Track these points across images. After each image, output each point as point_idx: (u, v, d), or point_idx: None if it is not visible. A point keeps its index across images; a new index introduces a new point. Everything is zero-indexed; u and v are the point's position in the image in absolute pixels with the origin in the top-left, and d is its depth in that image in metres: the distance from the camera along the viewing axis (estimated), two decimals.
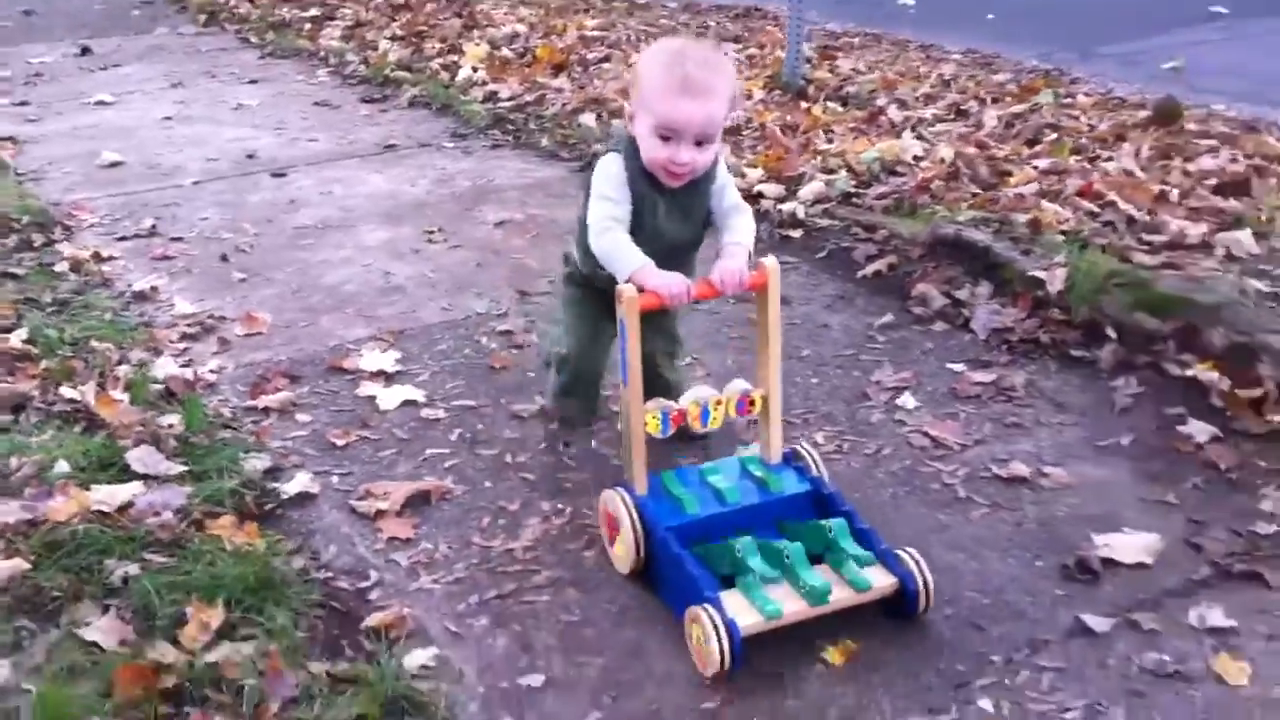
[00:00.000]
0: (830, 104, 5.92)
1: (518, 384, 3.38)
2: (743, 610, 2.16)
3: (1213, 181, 4.33)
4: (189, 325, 3.78)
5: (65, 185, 5.22)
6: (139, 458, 2.88)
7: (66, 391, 3.21)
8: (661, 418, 2.40)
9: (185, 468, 2.88)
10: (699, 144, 2.39)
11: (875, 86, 6.11)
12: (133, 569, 2.44)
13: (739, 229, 2.51)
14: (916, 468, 2.95)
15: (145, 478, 2.79)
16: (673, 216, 2.52)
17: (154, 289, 4.07)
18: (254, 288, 4.11)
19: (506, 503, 2.84)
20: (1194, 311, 3.31)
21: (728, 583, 2.24)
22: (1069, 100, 5.78)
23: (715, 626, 2.10)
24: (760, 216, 4.24)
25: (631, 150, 2.47)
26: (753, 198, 4.58)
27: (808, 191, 4.64)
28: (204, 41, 8.61)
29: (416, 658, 2.29)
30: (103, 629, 2.28)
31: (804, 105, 5.91)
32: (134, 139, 5.94)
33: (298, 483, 2.90)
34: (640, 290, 2.31)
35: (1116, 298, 3.46)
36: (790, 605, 2.18)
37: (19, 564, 2.43)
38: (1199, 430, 3.00)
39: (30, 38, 8.73)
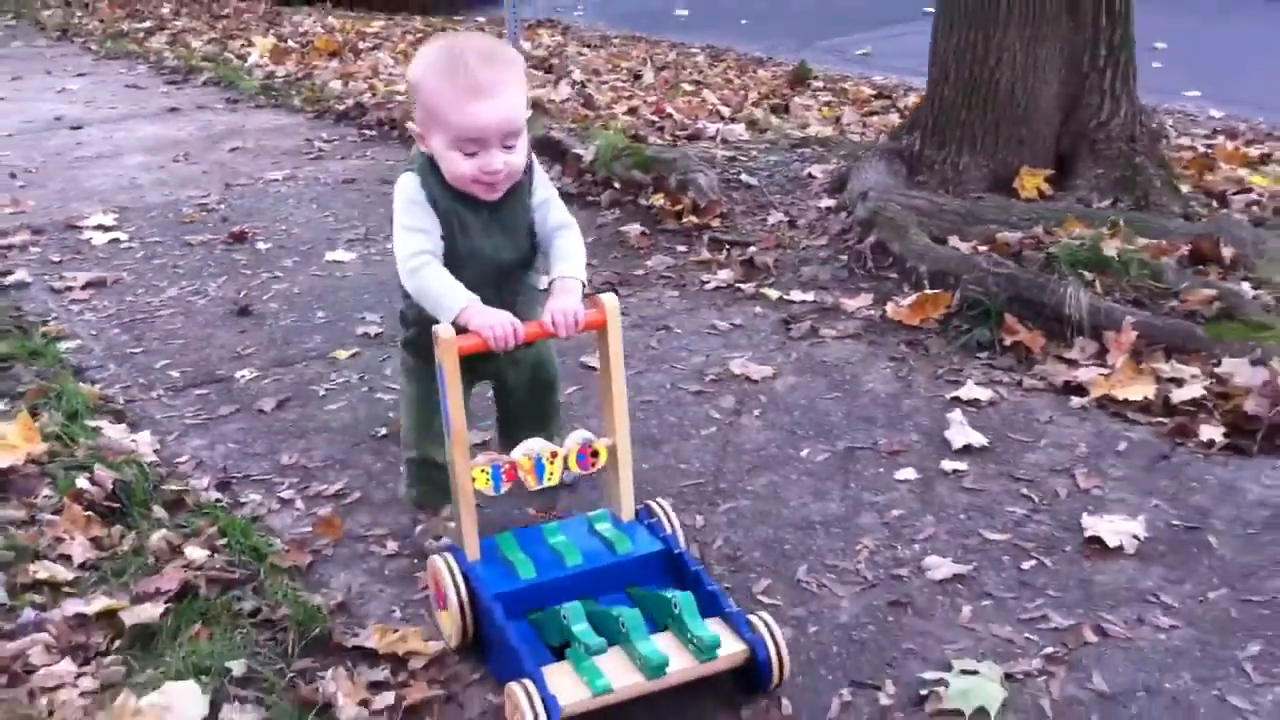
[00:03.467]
0: (535, 70, 7.46)
1: (199, 225, 4.83)
2: (568, 686, 1.90)
3: (756, 97, 5.91)
4: None
5: None
6: None
7: None
8: (492, 473, 2.15)
9: None
10: (507, 146, 2.14)
11: (577, 62, 7.68)
12: None
13: (568, 255, 2.24)
14: None
15: None
16: (491, 232, 2.24)
17: None
18: (28, 190, 5.51)
19: (158, 282, 4.27)
20: (664, 167, 4.83)
21: (562, 655, 2.00)
22: (739, 70, 7.44)
23: (531, 702, 1.84)
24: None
25: (428, 167, 2.21)
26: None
27: None
28: (51, 50, 10.00)
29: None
30: None
31: None
32: None
33: (17, 275, 4.31)
34: (462, 331, 2.08)
35: (622, 163, 4.96)
36: (623, 679, 1.91)
37: None
38: (635, 230, 4.50)
39: None
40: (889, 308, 3.63)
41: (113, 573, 2.49)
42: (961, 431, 2.95)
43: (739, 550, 2.54)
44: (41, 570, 2.47)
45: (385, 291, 4.02)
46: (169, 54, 9.05)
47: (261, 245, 4.62)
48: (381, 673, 2.20)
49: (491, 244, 2.26)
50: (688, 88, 6.73)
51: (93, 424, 3.11)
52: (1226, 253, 3.56)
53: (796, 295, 3.86)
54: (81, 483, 2.74)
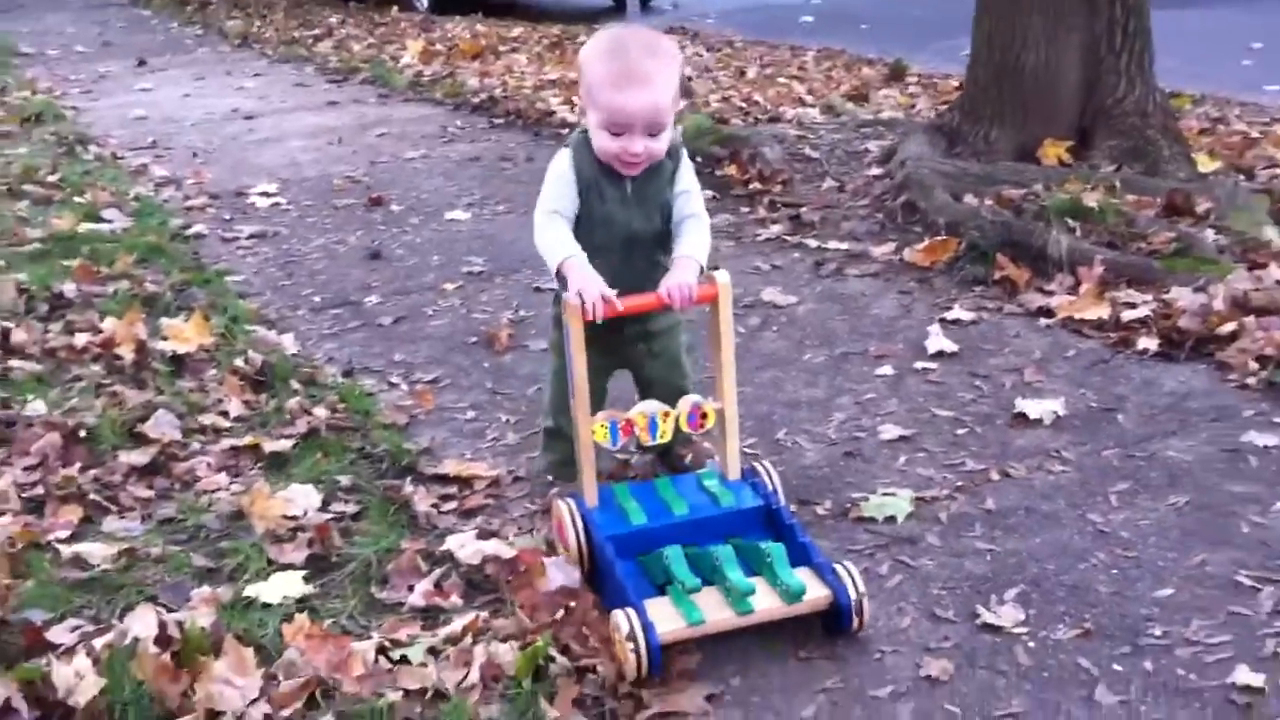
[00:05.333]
0: None
1: (345, 193, 5.71)
2: (666, 616, 2.11)
3: (845, 89, 6.57)
4: (162, 180, 6.17)
5: (104, 128, 7.68)
6: (112, 214, 5.24)
7: (76, 198, 5.60)
8: (610, 428, 2.34)
9: (132, 220, 5.23)
10: (651, 134, 2.31)
11: (691, 61, 8.43)
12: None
13: (691, 241, 2.40)
14: None
15: (109, 222, 5.15)
16: (627, 204, 2.41)
17: (145, 165, 6.47)
18: (207, 165, 6.49)
19: (308, 235, 5.14)
20: (738, 143, 5.53)
21: (663, 592, 2.22)
22: (844, 68, 8.11)
23: (632, 628, 2.05)
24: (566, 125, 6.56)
25: (584, 140, 2.40)
26: (550, 112, 6.88)
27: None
28: (232, 55, 11.17)
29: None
30: None
31: None
32: (158, 106, 8.42)
33: (196, 228, 5.24)
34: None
35: (704, 140, 5.68)
36: (716, 614, 2.13)
37: None
38: (706, 195, 5.19)
39: (103, 59, 11.33)
40: (906, 252, 4.26)
41: (258, 423, 3.30)
42: (938, 341, 3.57)
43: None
44: (206, 419, 3.29)
45: (490, 243, 4.83)
46: (333, 57, 10.08)
47: (395, 207, 5.47)
48: (450, 489, 2.95)
49: (625, 213, 2.42)
50: (783, 81, 7.41)
51: (250, 328, 3.94)
52: (1202, 206, 4.08)
53: (833, 244, 4.51)
54: (238, 362, 3.57)
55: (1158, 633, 2.24)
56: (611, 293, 2.28)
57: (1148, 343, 3.42)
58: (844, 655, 2.23)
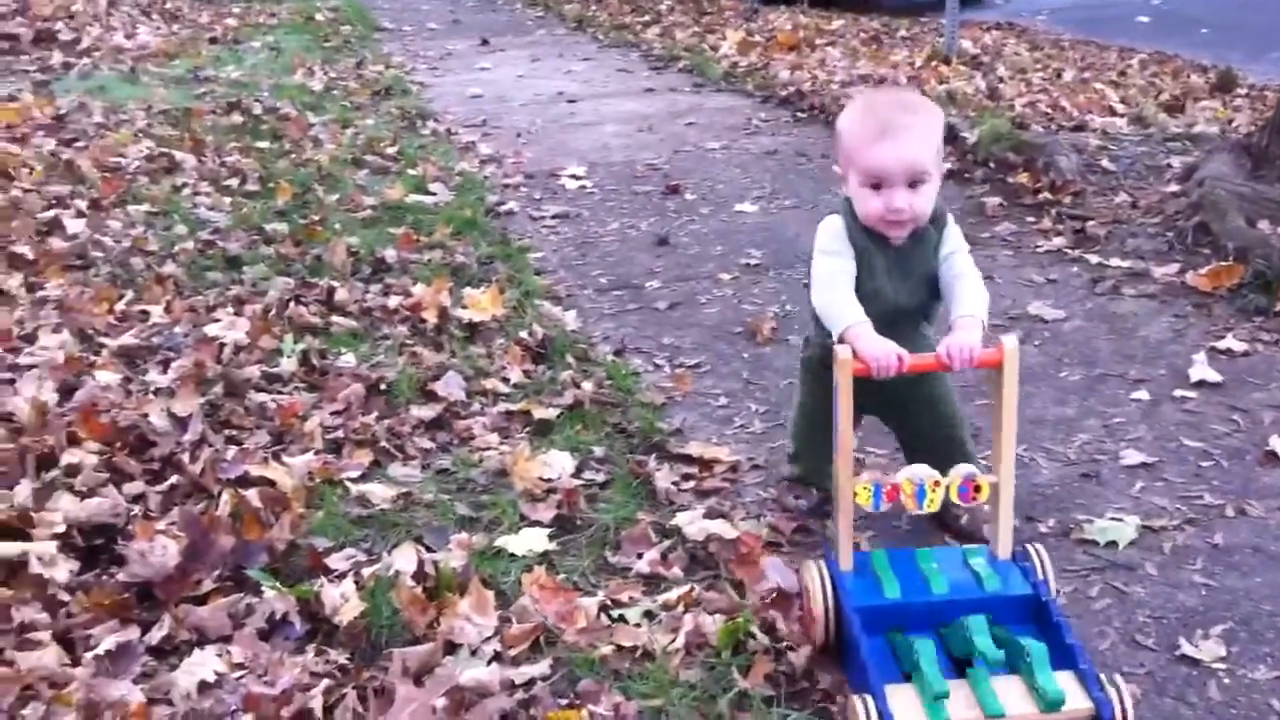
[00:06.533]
0: (962, 66, 8.18)
1: (645, 179, 6.05)
2: (909, 710, 1.95)
3: (1164, 98, 6.38)
4: (485, 157, 6.70)
5: (443, 104, 8.35)
6: (437, 188, 5.77)
7: (409, 170, 6.18)
8: (874, 491, 2.21)
9: (454, 194, 5.74)
10: (912, 186, 2.27)
11: (1009, 60, 8.32)
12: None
13: (970, 300, 2.29)
14: None
15: (433, 195, 5.67)
16: (894, 276, 2.38)
17: (473, 143, 7.04)
18: (527, 146, 6.99)
19: (606, 218, 5.50)
20: (1033, 150, 5.50)
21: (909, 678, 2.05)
22: (1171, 75, 7.85)
23: (868, 717, 1.93)
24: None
25: (848, 210, 2.38)
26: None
27: None
28: (567, 38, 11.81)
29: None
30: None
31: (941, 67, 8.22)
32: (494, 85, 9.06)
33: (508, 206, 5.70)
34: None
35: (1000, 145, 5.67)
36: (962, 713, 1.94)
37: None
38: (994, 202, 5.22)
39: (451, 37, 12.23)
40: (1188, 275, 4.16)
41: (532, 391, 3.63)
42: (1202, 370, 3.51)
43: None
44: (488, 383, 3.65)
45: (771, 236, 5.03)
46: (657, 44, 10.50)
47: (689, 196, 5.75)
48: (691, 469, 3.19)
49: (892, 287, 2.37)
50: (1098, 86, 7.22)
51: (539, 303, 4.31)
52: None
53: (1115, 261, 4.46)
54: (523, 334, 3.93)
55: None
56: (905, 352, 2.19)
57: None
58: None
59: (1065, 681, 1.99)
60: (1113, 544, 2.73)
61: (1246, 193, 4.42)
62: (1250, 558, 2.64)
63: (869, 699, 1.96)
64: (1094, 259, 4.50)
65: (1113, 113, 6.34)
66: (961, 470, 2.22)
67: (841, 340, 2.22)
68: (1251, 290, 3.93)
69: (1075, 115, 6.22)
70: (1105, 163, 5.32)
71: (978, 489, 2.22)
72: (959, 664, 2.08)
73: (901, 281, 2.39)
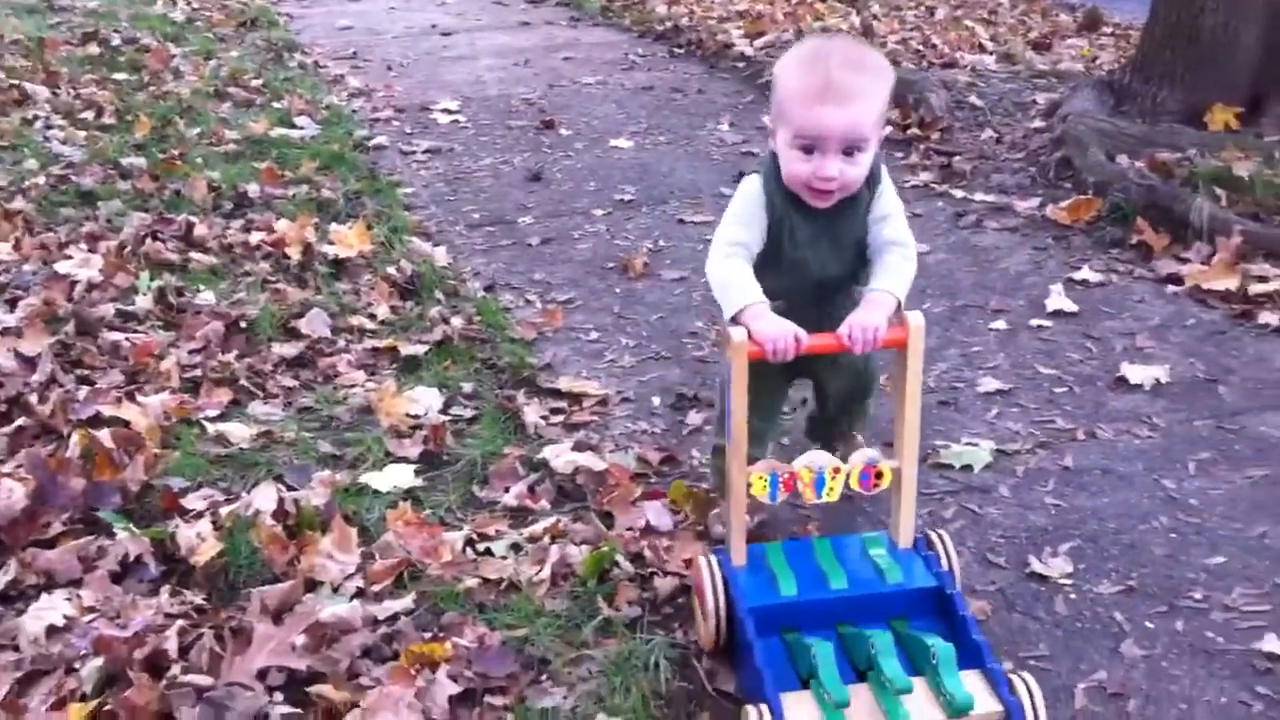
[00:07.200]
0: (837, 2, 8.22)
1: (519, 114, 5.96)
2: (805, 718, 1.81)
3: (1033, 36, 6.47)
4: (355, 91, 6.55)
5: (311, 36, 8.14)
6: (303, 122, 5.63)
7: (275, 103, 6.01)
8: (770, 481, 2.05)
9: (321, 128, 5.61)
10: (847, 153, 2.03)
11: None
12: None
13: (890, 273, 2.09)
14: None
15: (300, 129, 5.53)
16: (818, 245, 2.15)
17: (342, 75, 6.87)
18: (398, 79, 6.85)
19: (479, 153, 5.42)
20: (904, 87, 5.54)
21: (806, 684, 1.89)
22: (1041, 14, 7.98)
23: None
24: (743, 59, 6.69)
25: (773, 170, 2.13)
26: (729, 44, 6.98)
27: (762, 41, 7.02)
28: None
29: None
30: None
31: (817, 3, 8.25)
32: (364, 18, 8.85)
33: (378, 140, 5.58)
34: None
35: None
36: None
37: None
38: None
39: None
40: (1049, 209, 4.26)
41: (400, 327, 3.58)
42: (1059, 300, 3.60)
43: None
44: (355, 319, 3.59)
45: (645, 172, 5.02)
46: None
47: (564, 131, 5.70)
48: (560, 403, 3.18)
49: (817, 257, 2.16)
50: (969, 24, 7.32)
51: (408, 239, 4.24)
52: None
53: (979, 196, 4.54)
54: (391, 270, 3.87)
55: (1198, 596, 2.31)
56: (804, 333, 2.00)
57: (1270, 317, 3.39)
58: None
59: (972, 682, 1.85)
60: (968, 468, 2.80)
61: (1107, 128, 4.53)
62: (1099, 479, 2.73)
63: (764, 708, 1.82)
64: (959, 194, 4.58)
65: (983, 50, 6.45)
66: (863, 455, 2.09)
67: (735, 321, 2.02)
68: (1109, 223, 4.04)
69: (946, 53, 6.31)
70: (974, 99, 5.41)
71: (879, 475, 2.09)
72: (860, 670, 1.94)
73: (831, 250, 2.16)
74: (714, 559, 2.13)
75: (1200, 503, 2.62)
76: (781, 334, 1.98)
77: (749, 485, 2.05)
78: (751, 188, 2.15)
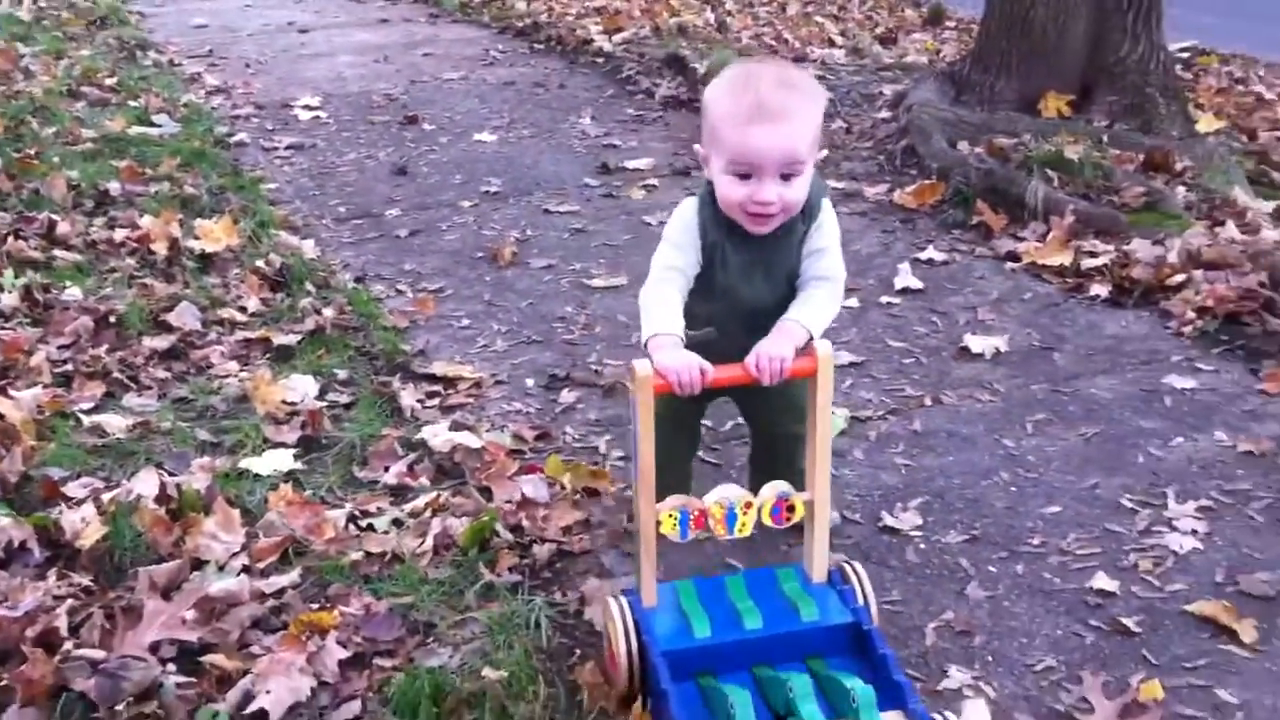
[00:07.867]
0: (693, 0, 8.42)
1: (382, 110, 6.00)
2: None
3: (880, 31, 6.73)
4: (213, 88, 6.50)
5: (165, 34, 8.04)
6: (162, 120, 5.58)
7: (131, 102, 5.94)
8: (680, 519, 1.97)
9: (180, 126, 5.57)
10: (785, 178, 1.98)
11: None
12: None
13: (808, 306, 2.05)
14: None
15: (158, 127, 5.48)
16: (751, 274, 2.10)
17: (199, 73, 6.82)
18: (256, 76, 6.82)
19: (342, 149, 5.45)
20: None
21: None
22: (888, 10, 8.27)
23: None
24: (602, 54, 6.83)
25: (708, 197, 2.08)
26: (589, 40, 7.11)
27: (620, 36, 7.17)
28: None
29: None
30: None
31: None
32: (219, 15, 8.76)
33: (239, 137, 5.57)
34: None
35: None
36: None
37: None
38: None
39: None
40: (896, 194, 4.49)
41: (271, 319, 3.62)
42: (906, 278, 3.81)
43: None
44: (225, 312, 3.61)
45: (510, 165, 5.12)
46: None
47: (427, 126, 5.76)
48: (436, 387, 3.26)
49: (750, 286, 2.10)
50: (820, 20, 7.59)
51: (275, 233, 4.26)
52: (1181, 164, 4.27)
53: (831, 183, 4.73)
54: (260, 263, 3.90)
55: (1036, 542, 2.51)
56: (708, 365, 1.92)
57: (1100, 289, 3.64)
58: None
59: None
60: None
61: (949, 117, 4.78)
62: (945, 440, 2.93)
63: None
64: None
65: (832, 44, 6.70)
66: (774, 489, 2.00)
67: (646, 346, 1.97)
68: (951, 206, 4.27)
69: (798, 47, 6.54)
70: None
71: (791, 509, 2.00)
72: (779, 715, 1.86)
73: (764, 280, 2.10)
74: (624, 600, 2.04)
75: (1037, 459, 2.83)
76: (685, 366, 1.90)
77: (658, 524, 1.96)
78: (686, 212, 2.11)
